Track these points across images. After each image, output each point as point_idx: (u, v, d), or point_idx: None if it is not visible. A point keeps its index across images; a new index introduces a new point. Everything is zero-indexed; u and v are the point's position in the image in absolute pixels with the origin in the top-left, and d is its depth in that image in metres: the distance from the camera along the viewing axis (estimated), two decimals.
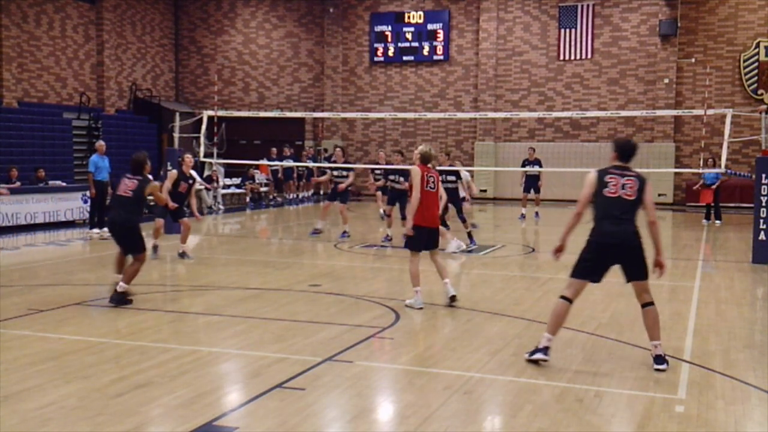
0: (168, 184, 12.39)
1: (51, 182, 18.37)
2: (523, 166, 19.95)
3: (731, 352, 7.12)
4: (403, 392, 5.87)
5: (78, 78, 25.91)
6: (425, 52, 28.30)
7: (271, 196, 25.99)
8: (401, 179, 14.87)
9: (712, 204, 19.24)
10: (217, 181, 23.22)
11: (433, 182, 8.86)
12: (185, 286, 10.45)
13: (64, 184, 18.78)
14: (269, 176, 26.08)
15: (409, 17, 28.42)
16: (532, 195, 19.97)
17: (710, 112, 19.12)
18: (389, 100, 28.90)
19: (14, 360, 6.47)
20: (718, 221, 19.06)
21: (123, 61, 28.08)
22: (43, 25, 24.54)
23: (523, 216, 19.57)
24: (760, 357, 6.96)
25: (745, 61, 25.01)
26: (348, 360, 6.57)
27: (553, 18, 26.88)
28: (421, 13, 28.30)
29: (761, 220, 12.45)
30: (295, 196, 26.52)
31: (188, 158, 12.88)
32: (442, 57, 28.16)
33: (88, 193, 16.82)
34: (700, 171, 18.48)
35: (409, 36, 28.46)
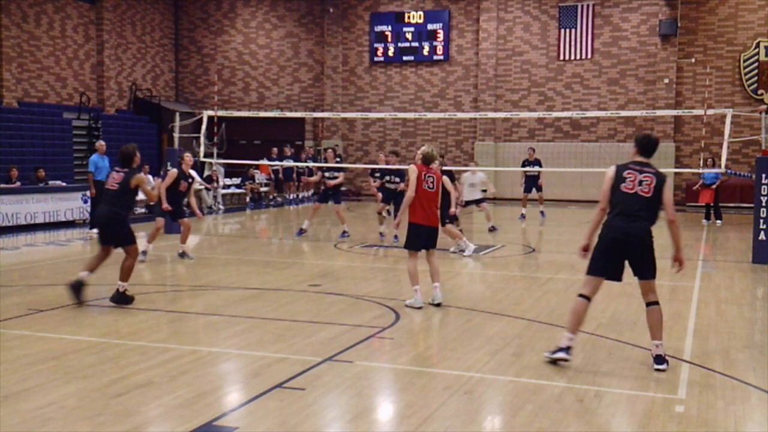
0: (168, 182, 12.37)
1: (51, 182, 18.38)
2: (523, 166, 19.95)
3: (731, 352, 7.12)
4: (403, 392, 5.87)
5: (78, 78, 25.91)
6: (425, 52, 28.30)
7: (271, 196, 25.99)
8: (396, 179, 14.95)
9: (712, 204, 19.25)
10: (217, 181, 23.22)
11: (433, 182, 8.88)
12: (185, 286, 10.45)
13: (64, 184, 18.78)
14: (270, 176, 26.10)
15: (409, 17, 28.42)
16: (534, 195, 19.97)
17: (710, 112, 19.13)
18: (389, 100, 28.90)
19: (14, 360, 6.47)
20: (719, 221, 19.07)
21: (123, 61, 28.08)
22: (43, 25, 24.55)
23: (523, 216, 19.57)
24: (760, 357, 6.96)
25: (745, 61, 25.01)
26: (348, 360, 6.57)
27: (553, 18, 26.88)
28: (421, 13, 28.30)
29: (761, 220, 12.45)
30: (295, 196, 26.52)
31: (187, 157, 12.85)
32: (442, 57, 28.16)
33: (88, 193, 16.83)
34: (700, 171, 18.49)
35: (409, 36, 28.46)
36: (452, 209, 12.60)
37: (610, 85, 26.39)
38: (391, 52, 28.70)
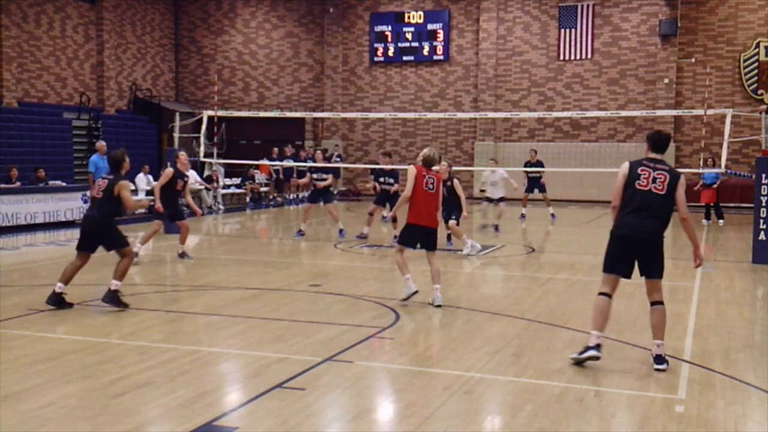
0: (163, 181, 12.29)
1: (51, 182, 18.38)
2: (525, 167, 19.96)
3: (731, 352, 7.12)
4: (403, 392, 5.86)
5: (78, 78, 25.92)
6: (425, 52, 28.31)
7: (271, 196, 26.00)
8: (391, 180, 15.05)
9: (712, 204, 19.26)
10: (217, 181, 23.22)
11: (433, 184, 8.91)
12: (185, 286, 10.45)
13: (64, 184, 18.78)
14: (271, 175, 26.11)
15: (409, 17, 28.42)
16: (538, 195, 19.97)
17: (710, 112, 19.14)
18: (389, 100, 28.91)
19: (14, 360, 6.47)
20: (721, 221, 19.08)
21: (123, 61, 28.08)
22: (43, 25, 24.55)
23: (522, 216, 19.57)
24: (760, 357, 6.96)
25: (745, 61, 25.01)
26: (348, 360, 6.57)
27: (553, 18, 26.89)
28: (421, 13, 28.30)
29: (761, 220, 12.45)
30: (295, 196, 26.52)
31: (183, 156, 12.76)
32: (442, 57, 28.17)
33: (88, 193, 16.82)
34: (700, 171, 18.49)
35: (409, 36, 28.47)
36: (464, 213, 12.82)
37: (610, 85, 26.39)
38: (391, 52, 28.70)
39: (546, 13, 27.01)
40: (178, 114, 18.54)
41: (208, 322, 8.14)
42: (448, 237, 13.97)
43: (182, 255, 12.47)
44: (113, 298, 8.46)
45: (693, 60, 25.53)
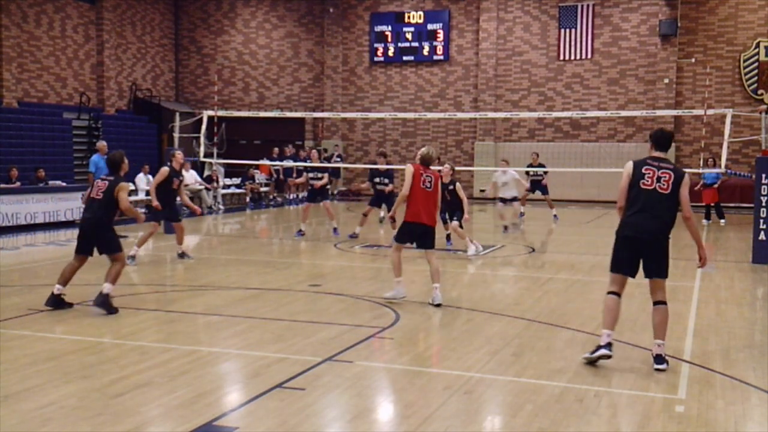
0: (159, 179, 12.25)
1: (51, 182, 18.38)
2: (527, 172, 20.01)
3: (731, 352, 7.12)
4: (403, 392, 5.86)
5: (78, 78, 25.92)
6: (425, 52, 28.31)
7: (271, 196, 26.00)
8: (386, 180, 15.17)
9: (713, 204, 19.26)
10: (217, 181, 23.22)
11: (430, 182, 8.93)
12: (185, 286, 10.44)
13: (64, 184, 18.78)
14: (271, 175, 26.10)
15: (409, 17, 28.42)
16: (539, 196, 19.99)
17: (710, 112, 19.14)
18: (389, 100, 28.91)
19: (14, 360, 6.47)
20: (722, 220, 19.09)
21: (123, 61, 28.08)
22: (43, 25, 24.55)
23: (522, 215, 19.57)
24: (760, 357, 6.96)
25: (745, 61, 25.01)
26: (348, 360, 6.57)
27: (553, 18, 26.89)
28: (421, 13, 28.30)
29: (761, 220, 12.45)
30: (295, 196, 26.52)
31: (179, 154, 12.70)
32: (442, 57, 28.17)
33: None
34: (700, 171, 18.49)
35: (409, 36, 28.47)
36: (466, 216, 12.77)
37: (610, 85, 26.39)
38: (391, 52, 28.70)
39: (546, 13, 27.01)
40: (178, 114, 18.55)
41: (208, 322, 8.14)
42: (448, 237, 13.98)
43: (182, 255, 12.45)
44: (104, 302, 8.25)
45: (693, 60, 25.53)
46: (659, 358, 6.41)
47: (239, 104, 30.60)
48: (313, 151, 16.93)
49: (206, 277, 10.95)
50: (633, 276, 6.61)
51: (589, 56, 26.52)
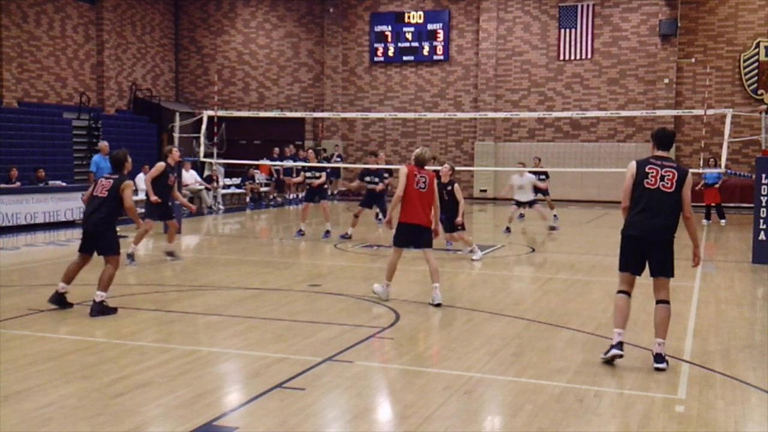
0: (154, 173, 12.21)
1: (51, 182, 18.37)
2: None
3: (731, 352, 7.12)
4: (403, 392, 5.86)
5: (78, 78, 25.92)
6: (425, 52, 28.31)
7: (271, 196, 26.00)
8: (376, 179, 15.19)
9: (713, 204, 19.25)
10: (217, 181, 23.22)
11: (424, 183, 8.92)
12: (185, 286, 10.44)
13: (64, 184, 18.78)
14: (271, 175, 26.10)
15: (409, 17, 28.42)
16: (539, 197, 19.96)
17: (710, 112, 19.12)
18: (389, 100, 28.91)
19: (14, 360, 6.47)
20: (722, 220, 19.09)
21: (123, 61, 28.08)
22: (43, 25, 24.55)
23: (522, 216, 19.56)
24: (760, 357, 6.96)
25: (745, 61, 25.01)
26: (348, 360, 6.57)
27: (553, 18, 26.89)
28: (421, 13, 28.30)
29: (761, 220, 12.45)
30: (294, 196, 26.52)
31: (175, 151, 12.65)
32: (442, 57, 28.17)
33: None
34: (700, 171, 18.49)
35: (409, 36, 28.47)
36: (459, 218, 12.61)
37: (610, 85, 26.39)
38: (391, 52, 28.70)
39: (546, 13, 27.00)
40: (178, 114, 18.53)
41: (208, 322, 8.14)
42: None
43: (170, 254, 12.39)
44: (101, 310, 8.19)
45: (693, 60, 25.53)
46: (659, 357, 6.42)
47: (239, 104, 30.61)
48: (310, 150, 16.97)
49: (206, 277, 10.95)
50: (639, 274, 6.65)
51: (589, 56, 26.52)
